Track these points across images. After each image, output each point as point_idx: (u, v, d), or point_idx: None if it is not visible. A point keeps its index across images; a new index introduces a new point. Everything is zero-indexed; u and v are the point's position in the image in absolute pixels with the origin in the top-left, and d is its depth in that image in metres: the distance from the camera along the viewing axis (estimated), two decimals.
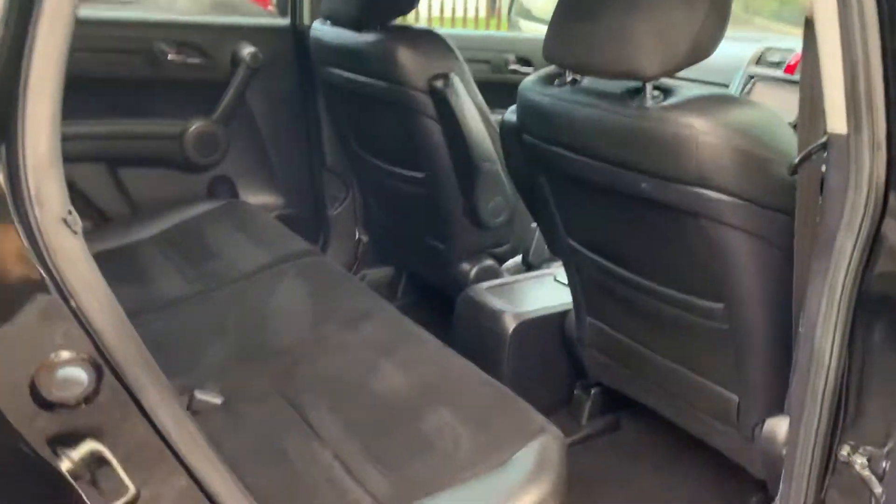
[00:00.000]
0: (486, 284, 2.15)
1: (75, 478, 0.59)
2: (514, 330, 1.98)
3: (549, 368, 2.09)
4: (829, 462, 1.24)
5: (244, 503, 0.76)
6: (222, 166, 2.55)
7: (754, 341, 1.43)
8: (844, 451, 1.22)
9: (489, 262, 2.32)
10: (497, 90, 2.35)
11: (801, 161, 1.18)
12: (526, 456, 1.21)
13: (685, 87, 1.34)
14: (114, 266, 2.00)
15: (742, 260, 1.34)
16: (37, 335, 0.54)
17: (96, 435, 0.59)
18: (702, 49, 1.25)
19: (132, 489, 0.62)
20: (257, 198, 2.64)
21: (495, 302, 2.05)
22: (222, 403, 1.44)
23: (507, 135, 1.75)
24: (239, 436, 1.35)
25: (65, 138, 2.20)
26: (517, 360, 2.02)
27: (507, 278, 2.25)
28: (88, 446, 0.58)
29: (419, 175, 2.23)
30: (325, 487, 1.21)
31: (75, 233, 0.55)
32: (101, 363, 0.56)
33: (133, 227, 2.26)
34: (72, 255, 0.55)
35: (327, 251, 2.77)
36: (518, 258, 2.41)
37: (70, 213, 0.56)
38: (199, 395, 1.43)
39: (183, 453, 0.64)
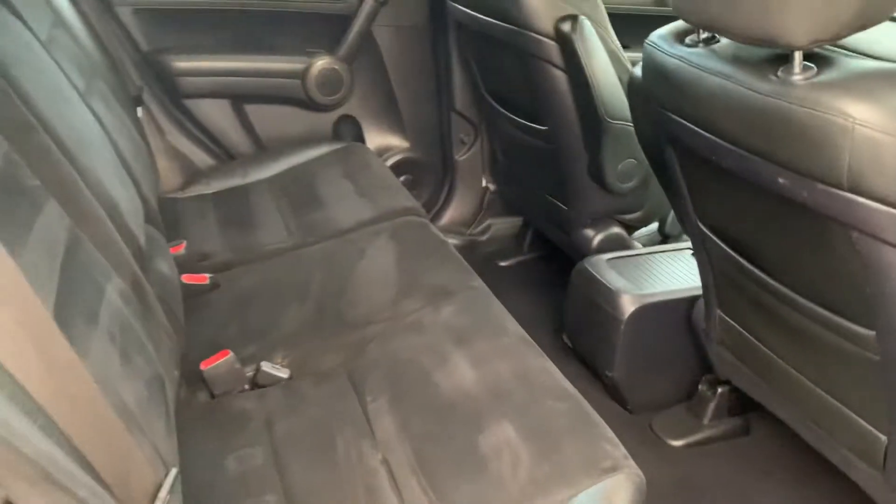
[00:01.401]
0: (607, 256, 1.92)
1: None
2: (632, 314, 1.76)
3: (670, 358, 1.85)
4: None
5: None
6: (347, 106, 2.46)
7: None
8: None
9: (616, 229, 2.08)
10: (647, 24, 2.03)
11: None
12: (587, 499, 1.03)
13: (849, 61, 1.02)
14: (227, 208, 2.03)
15: None
16: None
17: None
18: (874, 11, 0.93)
19: None
20: (383, 139, 2.54)
21: (614, 278, 1.83)
22: (288, 378, 1.38)
23: (633, 93, 1.49)
24: (294, 417, 1.27)
25: (191, 74, 2.20)
26: (632, 348, 1.80)
27: (634, 250, 2.00)
28: None
29: (542, 128, 2.00)
30: (361, 494, 1.11)
31: None
32: None
33: (253, 166, 2.24)
34: None
35: (452, 198, 2.64)
36: (653, 227, 2.14)
37: None
38: (266, 369, 1.38)
39: None
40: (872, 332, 1.14)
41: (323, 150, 2.27)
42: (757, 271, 1.35)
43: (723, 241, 1.44)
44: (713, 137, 1.19)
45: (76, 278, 1.00)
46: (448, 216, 2.64)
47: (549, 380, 1.26)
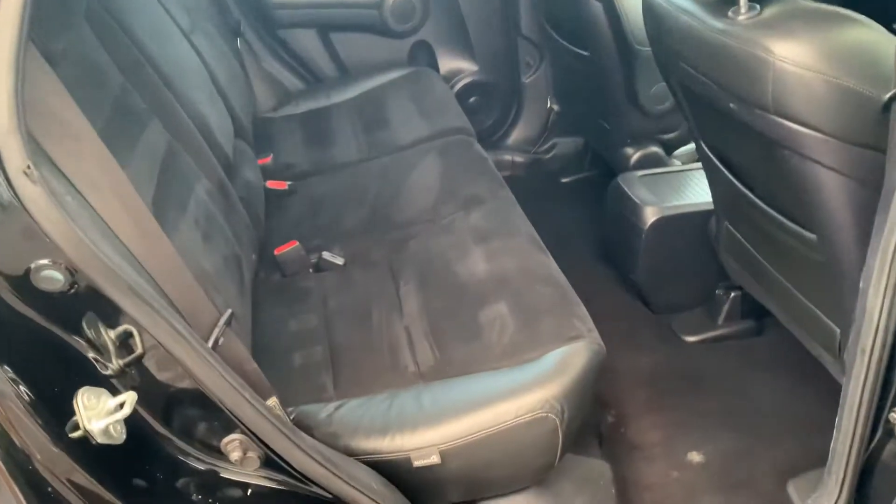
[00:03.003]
0: (640, 173, 2.12)
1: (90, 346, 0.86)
2: (652, 224, 1.96)
3: (689, 265, 2.05)
4: (876, 423, 1.17)
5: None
6: (422, 32, 2.70)
7: (847, 276, 1.31)
8: (894, 415, 1.14)
9: (654, 148, 2.26)
10: None
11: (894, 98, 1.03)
12: (551, 357, 1.31)
13: (790, 1, 1.18)
14: (311, 126, 2.38)
15: (829, 196, 1.22)
16: (22, 247, 0.78)
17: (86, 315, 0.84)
18: None
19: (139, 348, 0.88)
20: (454, 63, 2.78)
21: (641, 193, 2.03)
22: (342, 265, 1.71)
23: (647, 20, 1.66)
24: (343, 294, 1.61)
25: (284, 6, 2.51)
26: (653, 254, 2.01)
27: (666, 168, 2.18)
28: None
29: (586, 54, 2.19)
30: (385, 352, 1.44)
31: (34, 182, 0.75)
32: (73, 269, 0.80)
33: (335, 89, 2.56)
34: (32, 196, 0.76)
35: (519, 118, 2.85)
36: (691, 146, 2.30)
37: (28, 167, 0.74)
38: (326, 256, 1.72)
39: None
40: (814, 236, 1.33)
41: (396, 74, 2.54)
42: (739, 184, 1.54)
43: (719, 160, 1.63)
44: (688, 68, 1.38)
45: (171, 179, 1.36)
46: (515, 135, 2.87)
47: (544, 271, 1.53)
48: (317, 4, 2.59)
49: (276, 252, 1.69)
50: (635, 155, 2.25)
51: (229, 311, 1.12)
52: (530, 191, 2.66)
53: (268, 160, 2.13)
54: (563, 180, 2.81)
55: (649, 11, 1.53)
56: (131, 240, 0.97)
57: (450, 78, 2.75)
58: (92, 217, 0.91)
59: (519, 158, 2.85)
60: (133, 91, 1.39)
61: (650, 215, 1.97)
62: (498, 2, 2.68)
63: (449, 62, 2.76)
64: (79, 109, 0.94)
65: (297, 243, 1.70)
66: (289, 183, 2.01)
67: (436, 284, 1.57)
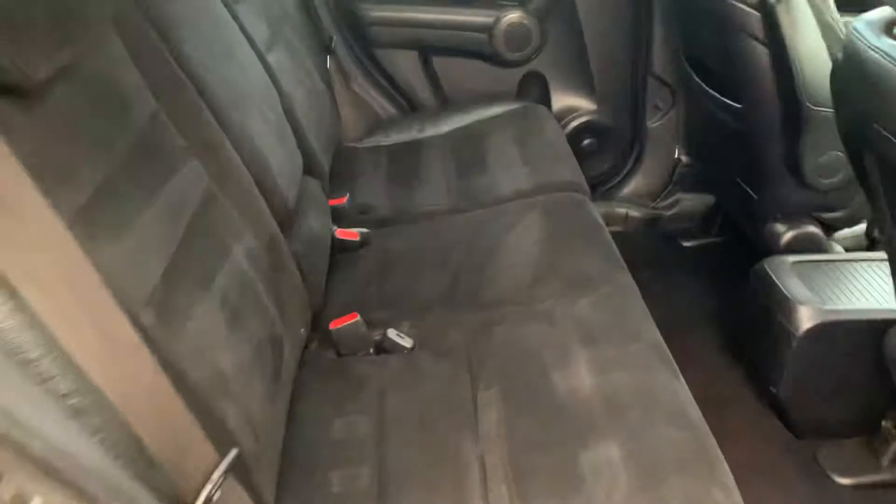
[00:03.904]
0: (794, 258, 1.70)
1: None
2: (809, 330, 1.54)
3: (850, 385, 1.61)
4: None
5: None
6: (535, 62, 2.35)
7: None
8: None
9: (812, 228, 1.82)
10: None
11: None
12: None
13: None
14: (399, 161, 2.06)
15: None
16: None
17: None
18: None
19: None
20: (569, 99, 2.42)
21: (794, 285, 1.61)
22: (411, 348, 1.38)
23: (835, 81, 1.26)
24: (407, 391, 1.27)
25: (383, 23, 2.22)
26: (805, 368, 1.59)
27: (828, 255, 1.74)
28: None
29: (737, 105, 1.78)
30: (449, 490, 1.09)
31: None
32: None
33: (431, 120, 2.24)
34: None
35: (639, 167, 2.46)
36: (859, 228, 1.85)
37: None
38: (391, 336, 1.39)
39: None
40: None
41: (501, 108, 2.21)
42: None
43: None
44: None
45: (199, 239, 1.05)
46: (632, 186, 2.48)
47: (673, 402, 1.14)
48: (420, 23, 2.28)
49: (331, 326, 1.37)
50: (787, 234, 1.82)
51: (234, 452, 0.80)
52: (644, 253, 2.28)
53: (342, 201, 1.82)
54: (686, 244, 2.39)
55: (848, 64, 1.13)
56: (86, 356, 0.66)
57: (562, 116, 2.39)
58: (17, 327, 0.61)
59: (634, 213, 2.45)
60: (167, 121, 1.10)
61: (806, 318, 1.55)
62: (628, 35, 2.31)
63: (563, 98, 2.41)
64: (20, 170, 0.64)
65: (358, 317, 1.37)
66: (361, 232, 1.69)
67: (525, 396, 1.21)
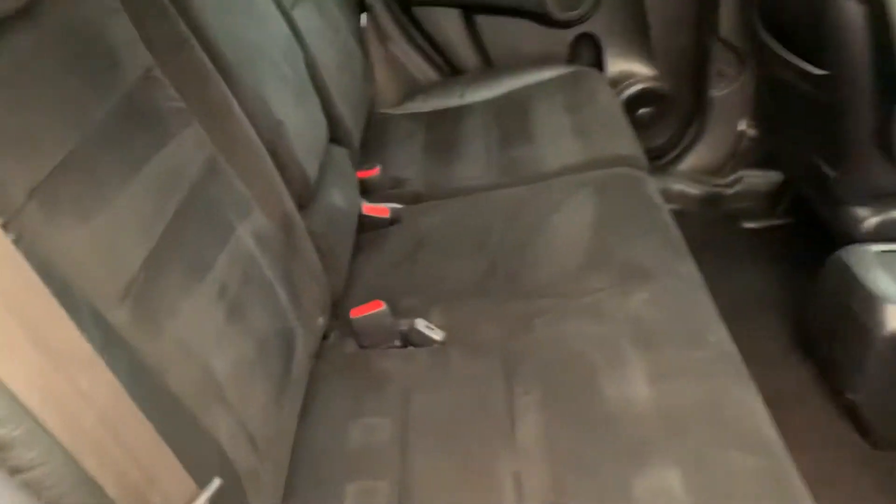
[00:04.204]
0: (878, 247, 1.49)
1: None
2: (894, 331, 1.35)
3: None
4: None
5: None
6: (589, 23, 2.15)
7: None
8: None
9: None
10: None
11: None
12: None
13: None
14: (437, 130, 1.89)
15: None
16: None
17: None
18: None
19: None
20: (625, 64, 2.21)
21: (878, 279, 1.41)
22: (441, 341, 1.22)
23: None
24: (435, 392, 1.13)
25: None
26: (888, 371, 1.39)
27: None
28: None
29: (821, 73, 1.56)
30: None
31: None
32: None
33: (473, 85, 2.07)
34: None
35: (700, 139, 2.25)
36: None
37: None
38: (420, 327, 1.24)
39: None
40: None
41: (550, 73, 2.02)
42: None
43: None
44: None
45: (195, 218, 0.91)
46: (691, 161, 2.27)
47: (746, 420, 0.97)
48: None
49: (351, 314, 1.22)
50: (872, 220, 1.60)
51: (216, 482, 0.66)
52: (702, 234, 2.08)
53: (374, 172, 1.66)
54: (748, 225, 2.18)
55: None
56: (19, 377, 0.52)
57: (617, 82, 2.18)
58: None
59: (693, 190, 2.24)
60: (163, 79, 0.95)
61: (892, 317, 1.35)
62: None
63: (619, 62, 2.20)
64: None
65: (384, 306, 1.22)
66: (391, 208, 1.54)
67: (569, 405, 1.05)
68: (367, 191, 1.63)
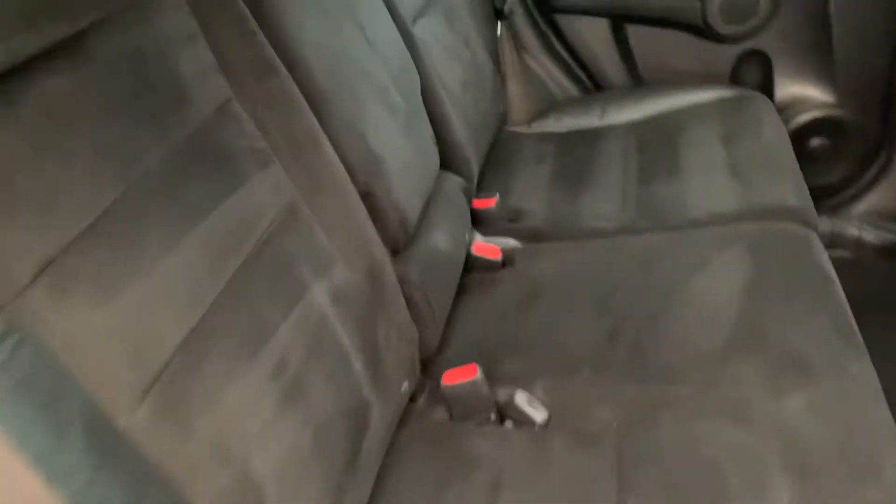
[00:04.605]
0: None
1: None
2: None
3: None
4: None
5: None
6: (759, 38, 1.86)
7: None
8: None
9: None
10: None
11: None
12: None
13: None
14: (570, 154, 1.69)
15: None
16: None
17: None
18: None
19: None
20: (799, 88, 1.91)
21: None
22: (543, 424, 1.04)
23: None
24: (529, 486, 0.95)
25: None
26: None
27: None
28: None
29: None
30: None
31: None
32: None
33: (615, 104, 1.85)
34: None
35: (885, 177, 1.91)
36: None
37: None
38: (520, 402, 1.07)
39: None
40: None
41: (707, 95, 1.77)
42: None
43: None
44: None
45: (260, 278, 0.78)
46: (871, 202, 1.93)
47: None
48: None
49: (442, 380, 1.07)
50: None
51: None
52: (879, 292, 1.76)
53: (491, 203, 1.50)
54: None
55: None
56: None
57: (787, 108, 1.88)
58: None
59: (870, 237, 1.91)
60: (242, 116, 0.83)
61: None
62: (888, 9, 1.75)
63: (791, 85, 1.89)
64: None
65: (479, 373, 1.06)
66: (504, 248, 1.37)
67: None
68: (481, 222, 1.47)
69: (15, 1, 0.57)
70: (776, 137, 1.57)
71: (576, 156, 1.68)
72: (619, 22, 1.93)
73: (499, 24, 1.85)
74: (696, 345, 1.09)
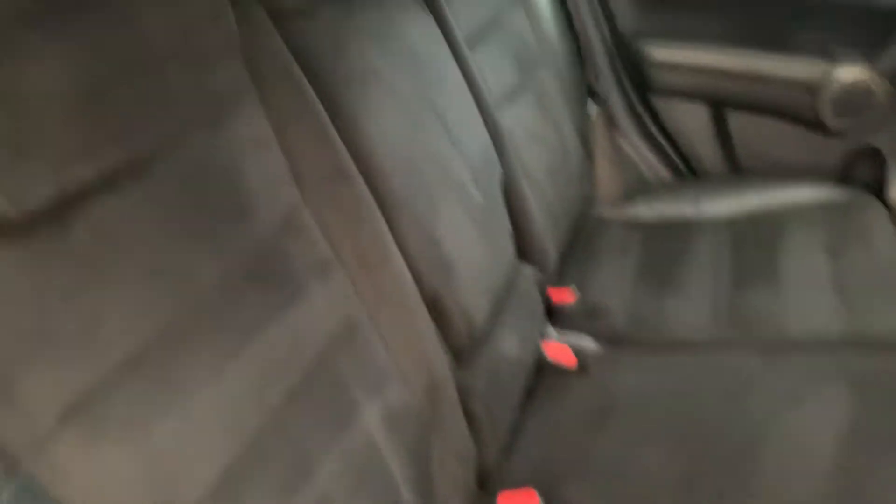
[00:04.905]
0: None
1: None
2: None
3: None
4: None
5: None
6: (873, 134, 1.73)
7: None
8: None
9: None
10: None
11: None
12: None
13: None
14: (659, 247, 1.60)
15: None
16: None
17: None
18: None
19: None
20: None
21: None
22: None
23: None
24: None
25: (668, 66, 1.77)
26: None
27: None
28: None
29: None
30: None
31: None
32: None
33: (711, 194, 1.75)
34: None
35: None
36: None
37: None
38: None
39: None
40: None
41: (813, 193, 1.65)
42: None
43: None
44: None
45: (309, 403, 0.73)
46: None
47: None
48: (717, 71, 1.78)
49: None
50: None
51: None
52: None
53: (569, 295, 1.42)
54: None
55: None
56: None
57: None
58: None
59: None
60: (309, 225, 0.80)
61: None
62: None
63: None
64: None
65: (539, 502, 0.98)
66: (580, 350, 1.28)
67: None
68: (558, 316, 1.39)
69: (74, 128, 0.55)
70: (890, 251, 1.43)
71: (664, 249, 1.59)
72: (720, 108, 1.84)
73: (591, 103, 1.79)
74: (786, 494, 0.97)
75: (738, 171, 1.87)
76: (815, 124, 1.73)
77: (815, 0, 1.64)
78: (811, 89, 1.68)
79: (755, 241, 1.54)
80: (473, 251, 1.07)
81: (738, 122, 1.84)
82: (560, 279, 1.47)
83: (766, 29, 1.72)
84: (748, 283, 1.40)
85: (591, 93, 1.79)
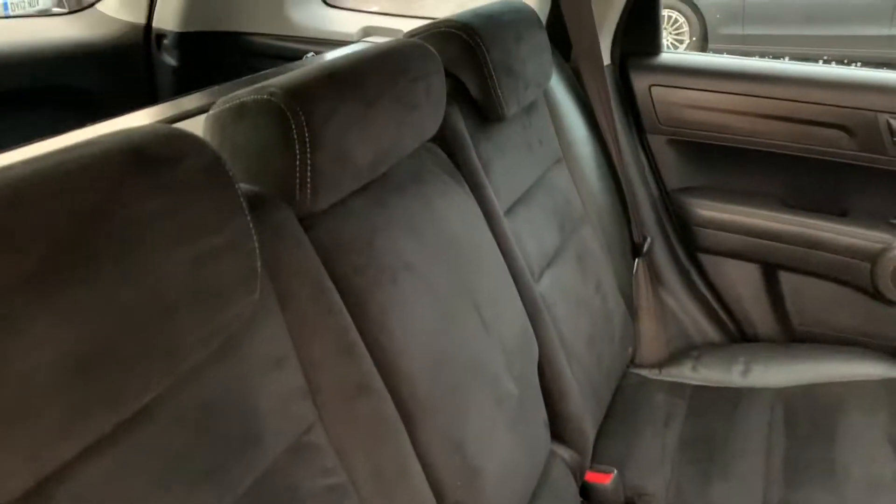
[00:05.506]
0: None
1: None
2: None
3: None
4: None
5: None
6: None
7: None
8: None
9: None
10: None
11: None
12: None
13: None
14: (704, 416, 1.50)
15: None
16: None
17: None
18: None
19: None
20: None
21: None
22: None
23: None
24: None
25: (716, 225, 1.71)
26: None
27: None
28: None
29: None
30: None
31: None
32: None
33: (762, 360, 1.66)
34: None
35: None
36: None
37: None
38: None
39: None
40: None
41: (872, 369, 1.55)
42: None
43: None
44: None
45: None
46: None
47: None
48: (768, 234, 1.72)
49: None
50: None
51: None
52: None
53: (607, 479, 1.32)
54: None
55: None
56: None
57: None
58: None
59: None
60: (323, 446, 0.74)
61: None
62: None
63: None
64: None
65: None
66: None
67: None
68: (594, 497, 1.29)
69: (63, 400, 0.50)
70: None
71: (710, 419, 1.49)
72: (772, 269, 1.77)
73: (637, 261, 1.74)
74: None
75: (790, 333, 1.77)
76: (874, 294, 1.65)
77: (878, 168, 1.58)
78: (870, 258, 1.61)
79: (810, 421, 1.43)
80: (502, 451, 1.00)
81: (792, 284, 1.76)
82: (597, 455, 1.38)
83: (823, 194, 1.67)
84: (803, 480, 1.29)
85: (636, 248, 1.74)
